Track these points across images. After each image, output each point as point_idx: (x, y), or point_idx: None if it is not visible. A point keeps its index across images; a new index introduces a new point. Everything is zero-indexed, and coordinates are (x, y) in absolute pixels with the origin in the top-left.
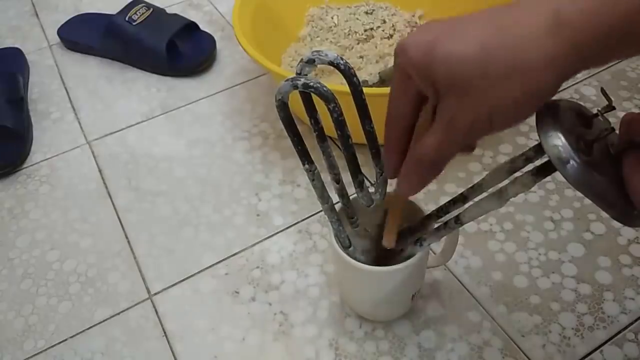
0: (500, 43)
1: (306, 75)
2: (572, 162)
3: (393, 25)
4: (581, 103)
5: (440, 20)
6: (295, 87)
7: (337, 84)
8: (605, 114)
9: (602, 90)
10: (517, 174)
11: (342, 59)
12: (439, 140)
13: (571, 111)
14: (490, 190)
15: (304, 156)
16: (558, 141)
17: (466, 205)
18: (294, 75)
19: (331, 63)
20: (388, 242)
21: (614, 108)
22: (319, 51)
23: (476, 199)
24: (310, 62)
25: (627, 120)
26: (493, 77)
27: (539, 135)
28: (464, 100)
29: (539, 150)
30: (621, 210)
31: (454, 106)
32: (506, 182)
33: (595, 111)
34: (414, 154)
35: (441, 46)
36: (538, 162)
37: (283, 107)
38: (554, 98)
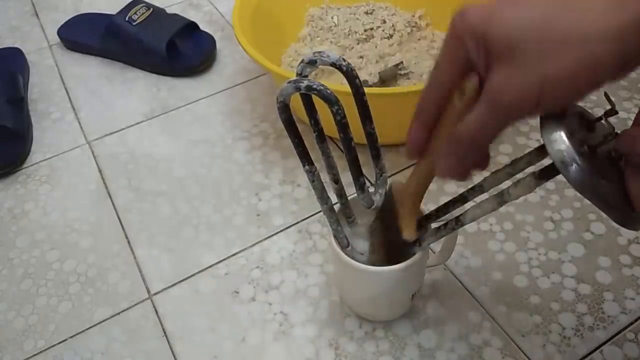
0: (561, 13)
1: (306, 76)
2: (575, 165)
3: (393, 25)
4: (582, 105)
5: None
6: (298, 89)
7: (336, 84)
8: (608, 119)
9: (606, 95)
10: (519, 175)
11: (344, 60)
12: (481, 113)
13: (574, 115)
14: (491, 191)
15: (305, 157)
16: (562, 145)
17: (466, 206)
18: (294, 75)
19: (333, 64)
20: (409, 234)
21: (616, 112)
22: (320, 52)
23: (477, 200)
24: (312, 63)
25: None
26: (549, 45)
27: (542, 138)
28: (514, 67)
29: (540, 152)
30: (623, 214)
31: (503, 75)
32: (507, 183)
33: (598, 115)
34: (454, 132)
35: (501, 11)
36: (540, 165)
37: (284, 108)
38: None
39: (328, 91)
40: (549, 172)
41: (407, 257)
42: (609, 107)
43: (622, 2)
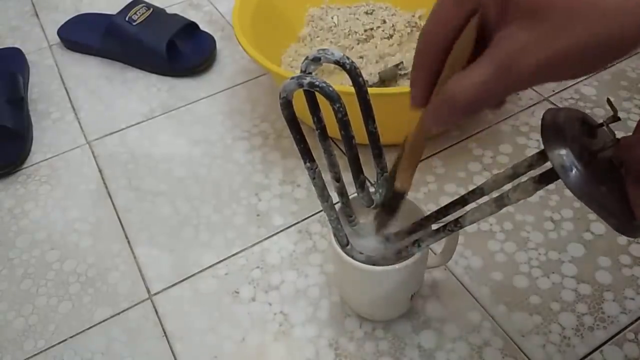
0: None
1: (311, 73)
2: (575, 171)
3: (393, 25)
4: (581, 106)
5: None
6: (301, 85)
7: (337, 84)
8: (610, 125)
9: (608, 101)
10: (519, 179)
11: (348, 58)
12: (486, 77)
13: (576, 120)
14: (491, 194)
15: (306, 154)
16: (562, 150)
17: (466, 209)
18: (295, 75)
19: (337, 62)
20: (402, 182)
21: (619, 119)
22: (325, 49)
23: (477, 203)
24: (316, 60)
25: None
26: (580, 12)
27: (543, 143)
28: (538, 33)
29: (541, 157)
30: (623, 221)
31: (522, 37)
32: (508, 187)
33: (600, 120)
34: (448, 90)
35: None
36: (540, 170)
37: (287, 105)
38: (558, 107)
39: (330, 88)
40: (548, 177)
41: (407, 256)
42: (609, 107)
43: None
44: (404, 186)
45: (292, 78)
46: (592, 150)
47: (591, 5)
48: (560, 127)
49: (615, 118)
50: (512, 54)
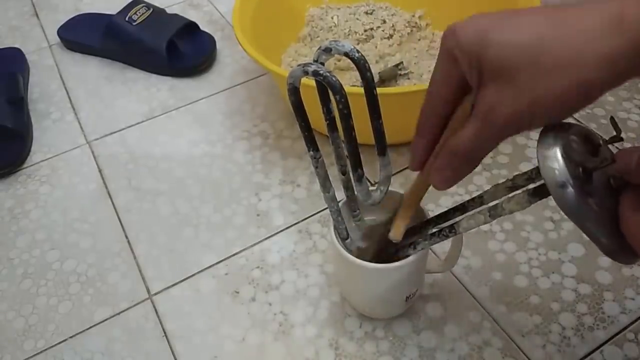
0: (557, 35)
1: (323, 63)
2: (568, 187)
3: (393, 25)
4: (588, 127)
5: (492, 12)
6: (306, 72)
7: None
8: (612, 144)
9: (612, 120)
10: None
11: (357, 51)
12: (475, 131)
13: (578, 136)
14: (490, 203)
15: (310, 143)
16: (555, 164)
17: (463, 216)
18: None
19: (346, 54)
20: (395, 234)
21: (621, 139)
22: (336, 41)
23: (473, 211)
24: (327, 50)
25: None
26: (542, 68)
27: (537, 155)
28: (507, 88)
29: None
30: (613, 245)
31: (496, 95)
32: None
33: (599, 113)
34: (448, 146)
35: (494, 31)
36: (538, 183)
37: (294, 91)
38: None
39: (333, 78)
40: (542, 191)
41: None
42: (610, 107)
43: (619, 27)
44: (395, 236)
45: (299, 65)
46: (588, 167)
47: (553, 63)
48: (558, 142)
49: (618, 138)
50: (488, 110)
